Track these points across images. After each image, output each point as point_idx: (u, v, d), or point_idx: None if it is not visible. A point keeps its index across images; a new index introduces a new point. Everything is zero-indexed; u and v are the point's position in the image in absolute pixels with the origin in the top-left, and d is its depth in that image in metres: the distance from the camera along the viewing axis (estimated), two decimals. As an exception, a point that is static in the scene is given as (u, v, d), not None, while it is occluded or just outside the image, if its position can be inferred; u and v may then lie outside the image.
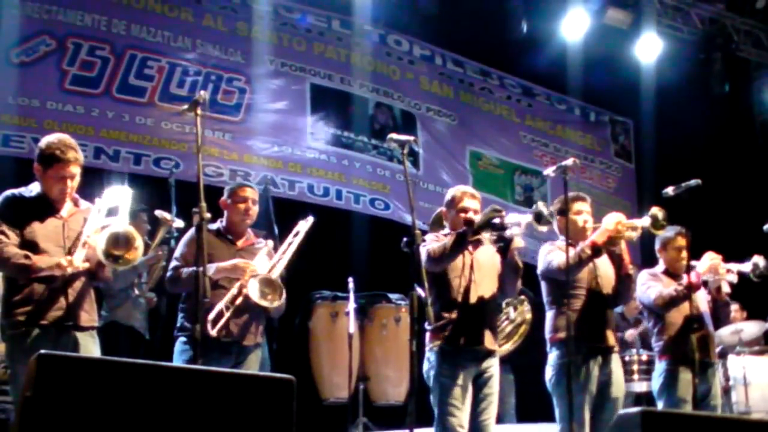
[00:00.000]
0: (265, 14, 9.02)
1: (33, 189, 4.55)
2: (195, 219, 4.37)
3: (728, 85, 10.75)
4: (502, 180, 10.49)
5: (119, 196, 4.53)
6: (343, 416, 6.77)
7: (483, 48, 10.38)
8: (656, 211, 5.20)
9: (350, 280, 6.74)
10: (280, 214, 6.93)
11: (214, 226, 5.08)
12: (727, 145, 11.42)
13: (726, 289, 5.94)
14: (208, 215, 4.36)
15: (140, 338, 6.65)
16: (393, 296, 7.28)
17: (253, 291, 4.79)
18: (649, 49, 10.35)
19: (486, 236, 4.84)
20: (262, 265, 4.97)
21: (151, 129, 8.20)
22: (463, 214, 4.99)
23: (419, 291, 4.28)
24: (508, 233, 4.78)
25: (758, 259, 5.90)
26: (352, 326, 6.52)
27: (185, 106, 4.49)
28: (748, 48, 11.23)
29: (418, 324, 4.34)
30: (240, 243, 5.13)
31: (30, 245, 4.38)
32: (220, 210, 5.19)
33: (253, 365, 4.99)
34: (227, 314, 4.80)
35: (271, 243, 5.19)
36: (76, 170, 4.49)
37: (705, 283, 5.87)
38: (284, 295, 4.90)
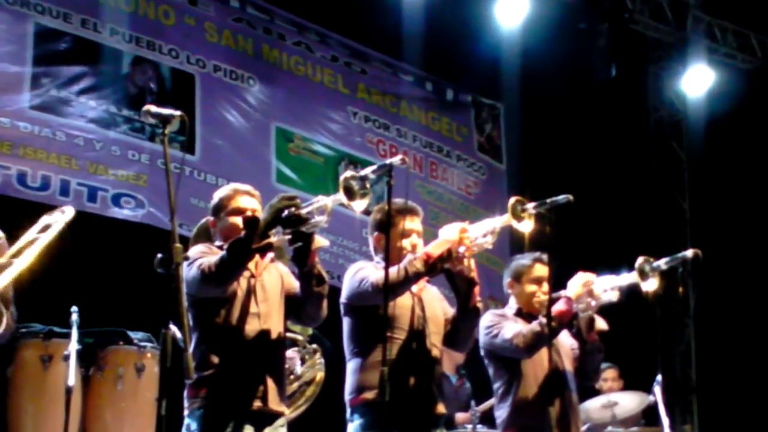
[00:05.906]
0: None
1: None
2: None
3: (615, 68, 11.11)
4: (322, 172, 10.66)
5: None
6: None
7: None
8: (513, 200, 5.28)
9: (74, 309, 6.50)
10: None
11: None
12: (614, 148, 11.86)
13: (602, 325, 6.04)
14: None
15: None
16: (135, 335, 7.16)
17: None
18: (512, 11, 10.71)
19: (277, 237, 4.83)
20: None
21: None
22: (237, 217, 5.03)
23: (175, 330, 4.12)
24: (307, 228, 4.77)
25: (641, 261, 5.98)
26: (72, 377, 6.20)
27: None
28: (645, 19, 11.61)
29: (173, 376, 4.15)
30: None
31: None
32: None
33: None
34: None
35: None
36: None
37: (575, 317, 5.93)
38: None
